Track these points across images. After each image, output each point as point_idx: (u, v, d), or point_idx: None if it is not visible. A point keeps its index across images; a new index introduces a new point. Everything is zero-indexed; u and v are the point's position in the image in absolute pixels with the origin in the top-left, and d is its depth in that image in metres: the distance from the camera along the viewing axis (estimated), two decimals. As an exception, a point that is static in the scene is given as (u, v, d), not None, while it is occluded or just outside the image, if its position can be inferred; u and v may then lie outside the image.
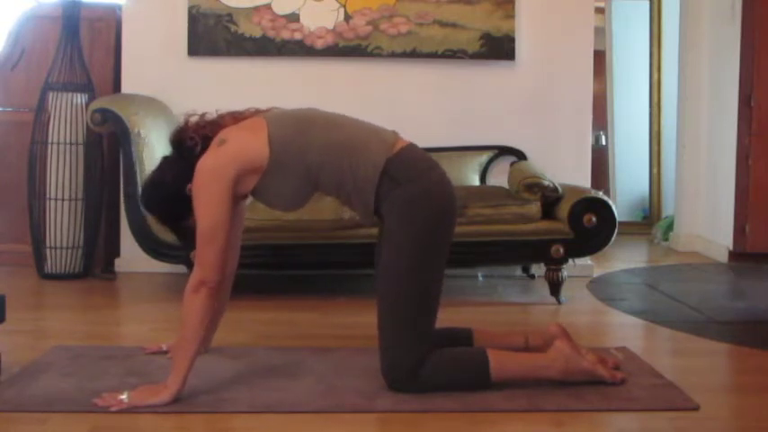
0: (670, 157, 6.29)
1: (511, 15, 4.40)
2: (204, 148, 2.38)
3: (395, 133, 2.45)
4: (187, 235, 2.42)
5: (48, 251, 4.20)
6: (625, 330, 3.39)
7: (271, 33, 4.38)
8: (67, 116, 4.19)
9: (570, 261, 3.75)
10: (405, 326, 2.32)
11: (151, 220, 3.68)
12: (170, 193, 2.42)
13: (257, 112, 2.49)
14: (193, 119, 2.46)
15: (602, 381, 2.41)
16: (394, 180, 2.33)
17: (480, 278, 4.41)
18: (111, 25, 4.50)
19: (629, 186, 6.93)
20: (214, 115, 2.48)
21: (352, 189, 2.36)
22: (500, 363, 2.37)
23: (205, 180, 2.29)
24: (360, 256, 3.57)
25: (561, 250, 3.68)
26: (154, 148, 3.81)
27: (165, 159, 2.51)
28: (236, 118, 2.46)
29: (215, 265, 2.27)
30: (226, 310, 2.74)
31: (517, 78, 4.47)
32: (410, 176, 2.34)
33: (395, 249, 2.33)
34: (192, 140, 2.40)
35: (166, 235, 3.66)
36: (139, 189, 3.71)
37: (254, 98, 4.31)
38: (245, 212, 2.73)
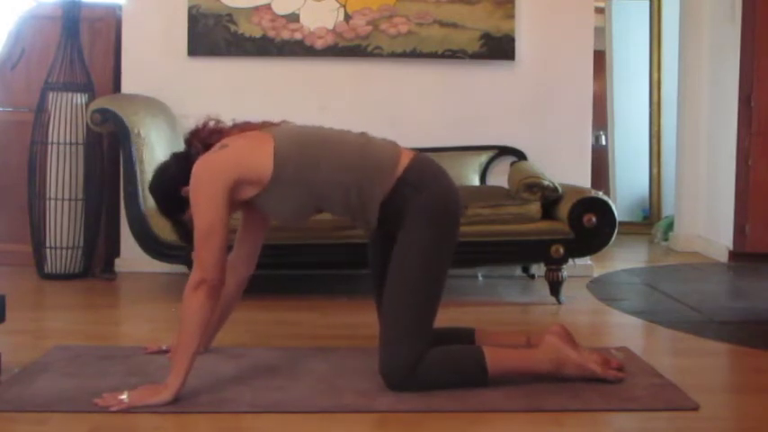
0: (670, 157, 6.29)
1: (511, 15, 4.40)
2: None
3: (396, 145, 2.48)
4: (184, 231, 2.48)
5: (48, 251, 4.20)
6: (625, 330, 3.39)
7: (271, 33, 4.38)
8: (67, 116, 4.19)
9: (570, 261, 3.75)
10: (412, 325, 2.33)
11: (151, 221, 3.68)
12: (168, 188, 2.47)
13: (265, 125, 2.50)
14: (211, 123, 2.49)
15: (595, 377, 2.42)
16: (411, 186, 2.35)
17: (480, 278, 4.41)
18: (111, 25, 4.50)
19: (629, 186, 6.93)
20: (227, 123, 2.50)
21: (357, 207, 2.38)
22: (495, 358, 2.38)
23: (201, 181, 2.31)
24: (360, 256, 3.56)
25: (561, 250, 3.68)
26: (154, 148, 3.81)
27: (175, 155, 2.57)
28: (243, 129, 2.47)
29: (213, 264, 2.27)
30: (233, 311, 2.74)
31: (517, 78, 4.47)
32: (429, 182, 2.37)
33: (411, 250, 2.34)
34: (196, 149, 2.45)
35: (167, 235, 3.67)
36: (140, 189, 3.72)
37: (254, 98, 4.38)
38: (268, 224, 2.68)
